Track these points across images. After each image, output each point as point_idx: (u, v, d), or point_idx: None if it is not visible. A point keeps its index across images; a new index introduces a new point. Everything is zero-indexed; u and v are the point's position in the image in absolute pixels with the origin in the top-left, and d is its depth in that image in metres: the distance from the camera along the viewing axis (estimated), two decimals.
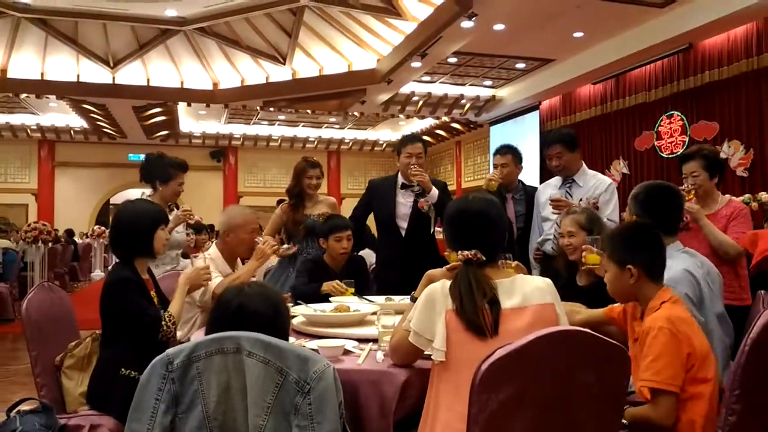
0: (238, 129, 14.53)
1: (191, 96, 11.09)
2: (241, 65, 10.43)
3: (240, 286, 1.54)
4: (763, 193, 6.52)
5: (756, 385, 1.56)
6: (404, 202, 3.68)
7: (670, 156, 8.23)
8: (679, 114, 8.07)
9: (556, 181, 3.60)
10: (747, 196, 6.59)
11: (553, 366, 1.33)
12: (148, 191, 3.79)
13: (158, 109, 12.04)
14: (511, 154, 3.81)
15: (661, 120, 8.36)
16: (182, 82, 10.90)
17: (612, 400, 1.41)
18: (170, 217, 3.26)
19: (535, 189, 3.85)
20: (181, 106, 12.06)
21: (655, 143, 8.46)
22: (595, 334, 1.37)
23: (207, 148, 15.40)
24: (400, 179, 3.73)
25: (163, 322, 2.23)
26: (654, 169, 8.52)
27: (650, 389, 1.67)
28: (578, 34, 8.06)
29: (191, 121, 13.76)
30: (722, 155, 7.33)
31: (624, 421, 1.75)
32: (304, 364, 1.28)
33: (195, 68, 10.59)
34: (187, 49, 9.94)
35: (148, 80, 10.76)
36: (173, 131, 13.96)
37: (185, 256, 4.89)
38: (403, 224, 3.66)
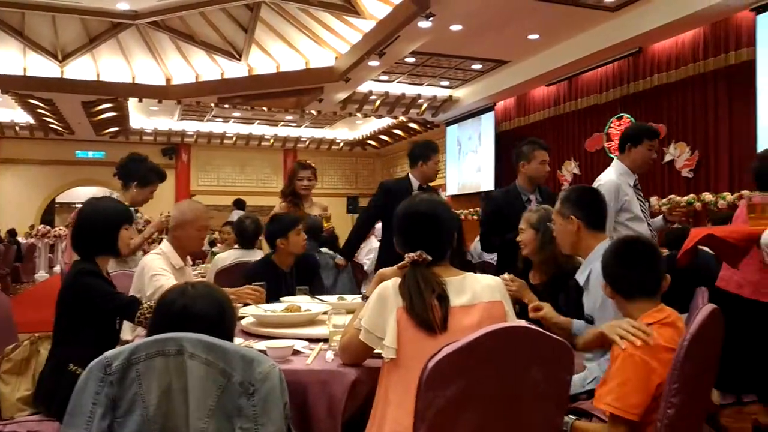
0: (191, 126, 14.26)
1: (143, 91, 10.81)
2: (195, 61, 10.23)
3: (183, 286, 1.50)
4: (706, 193, 6.76)
5: (693, 379, 1.61)
6: None
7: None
8: (629, 116, 8.28)
9: (626, 176, 3.35)
10: (691, 196, 6.82)
11: (499, 362, 1.34)
12: (107, 190, 3.73)
13: (108, 105, 11.72)
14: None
15: (611, 122, 8.57)
16: (134, 77, 10.63)
17: (556, 397, 1.43)
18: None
19: (546, 189, 3.84)
20: (132, 102, 11.76)
21: (605, 145, 8.67)
22: (541, 330, 1.39)
23: (159, 145, 15.05)
24: (415, 182, 3.98)
25: (146, 303, 2.25)
26: (604, 170, 8.71)
27: (611, 413, 1.66)
28: (533, 36, 8.19)
29: (142, 117, 13.43)
30: (668, 157, 7.58)
31: None
32: (249, 365, 1.26)
33: (147, 63, 10.33)
34: (140, 43, 9.70)
35: (98, 75, 10.46)
36: (124, 128, 13.61)
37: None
38: None
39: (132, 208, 3.75)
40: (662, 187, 7.58)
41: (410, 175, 4.03)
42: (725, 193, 6.49)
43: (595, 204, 2.35)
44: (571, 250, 2.39)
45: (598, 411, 1.81)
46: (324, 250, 4.31)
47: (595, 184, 3.27)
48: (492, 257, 4.67)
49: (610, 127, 8.60)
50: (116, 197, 3.63)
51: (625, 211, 3.23)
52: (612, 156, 8.53)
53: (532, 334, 1.37)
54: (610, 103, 8.54)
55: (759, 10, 6.34)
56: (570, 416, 1.81)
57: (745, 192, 6.14)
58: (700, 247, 2.64)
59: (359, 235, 4.27)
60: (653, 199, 7.04)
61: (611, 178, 3.27)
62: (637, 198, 3.30)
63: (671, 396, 1.56)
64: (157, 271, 2.73)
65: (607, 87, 8.50)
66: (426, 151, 3.97)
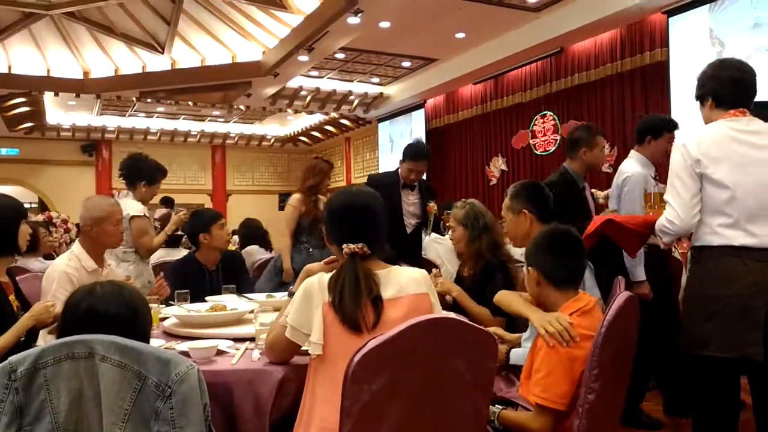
0: (112, 121, 13.64)
1: (59, 85, 10.24)
2: (114, 53, 9.80)
3: (91, 285, 1.42)
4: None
5: (612, 364, 1.67)
6: (407, 201, 4.11)
7: (544, 153, 8.71)
8: (552, 114, 8.56)
9: (647, 167, 3.30)
10: (610, 190, 7.10)
11: (424, 354, 1.35)
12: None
13: (22, 99, 11.05)
14: None
15: (536, 119, 8.83)
16: (49, 70, 10.06)
17: (481, 386, 1.45)
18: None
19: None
20: (48, 96, 11.15)
21: (530, 141, 8.92)
22: (464, 320, 1.41)
23: (78, 142, 14.35)
24: (401, 178, 4.08)
25: None
26: (529, 166, 8.97)
27: (537, 403, 1.71)
28: (460, 35, 8.31)
29: (60, 112, 12.76)
30: None
31: (495, 422, 1.80)
32: (165, 366, 1.21)
33: (63, 55, 9.81)
34: (55, 34, 9.18)
35: (9, 67, 9.84)
36: (39, 123, 12.87)
37: (48, 257, 4.55)
38: (411, 221, 4.09)
39: (145, 207, 3.96)
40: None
41: (399, 168, 4.13)
42: None
43: (544, 198, 2.49)
44: (522, 243, 2.45)
45: (523, 400, 1.85)
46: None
47: (620, 177, 3.27)
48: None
49: (534, 125, 8.86)
50: (129, 196, 3.90)
51: None
52: (537, 153, 8.81)
53: (456, 324, 1.38)
54: (534, 101, 8.78)
55: (671, 12, 6.68)
56: (496, 406, 1.84)
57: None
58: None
59: None
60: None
61: (637, 169, 3.24)
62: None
63: (591, 382, 1.62)
64: (58, 293, 2.54)
65: (531, 86, 8.74)
66: (406, 154, 4.04)
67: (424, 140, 10.99)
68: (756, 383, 2.11)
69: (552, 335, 1.70)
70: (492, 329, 2.43)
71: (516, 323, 2.51)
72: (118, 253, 3.79)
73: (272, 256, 5.03)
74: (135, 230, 3.77)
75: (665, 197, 2.16)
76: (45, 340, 2.49)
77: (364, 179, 13.33)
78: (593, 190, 3.96)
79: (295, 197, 4.16)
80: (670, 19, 6.71)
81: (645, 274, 3.09)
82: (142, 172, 3.94)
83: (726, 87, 2.14)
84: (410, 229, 4.10)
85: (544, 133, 8.71)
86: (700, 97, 2.23)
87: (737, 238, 2.00)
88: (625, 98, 7.51)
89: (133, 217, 3.78)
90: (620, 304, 1.68)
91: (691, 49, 6.49)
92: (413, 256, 3.98)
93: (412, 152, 4.02)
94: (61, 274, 2.61)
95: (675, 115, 6.65)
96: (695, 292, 2.11)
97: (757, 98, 2.25)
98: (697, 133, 2.15)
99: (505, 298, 2.16)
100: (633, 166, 3.28)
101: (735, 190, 2.00)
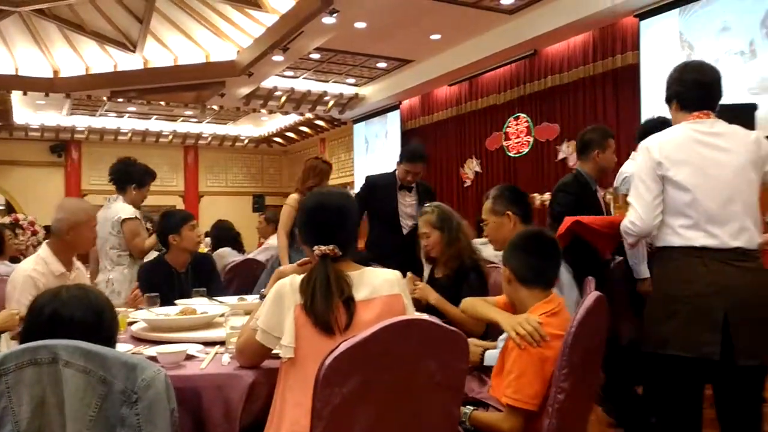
0: (82, 121, 13.39)
1: (27, 84, 10.03)
2: (85, 52, 9.63)
3: (56, 289, 1.39)
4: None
5: (581, 363, 1.68)
6: (404, 202, 4.10)
7: (517, 156, 8.78)
8: (525, 116, 8.63)
9: None
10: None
11: (396, 356, 1.35)
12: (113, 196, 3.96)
13: None
14: None
15: (509, 121, 8.90)
16: (17, 69, 9.85)
17: (452, 387, 1.45)
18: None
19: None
20: (17, 95, 10.92)
21: (504, 144, 8.99)
22: (436, 321, 1.41)
23: (46, 142, 14.08)
24: (398, 180, 4.09)
25: None
26: (503, 169, 9.03)
27: (508, 404, 1.72)
28: (435, 37, 8.34)
29: (28, 111, 12.50)
30: (561, 155, 7.97)
31: (467, 423, 1.81)
32: (131, 371, 1.18)
33: (32, 53, 9.61)
34: (23, 32, 8.98)
35: None
36: (6, 123, 12.59)
37: (15, 260, 4.46)
38: (407, 223, 4.08)
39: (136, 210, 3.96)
40: (556, 184, 7.95)
41: (396, 169, 4.13)
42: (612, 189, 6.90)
43: (525, 200, 2.56)
44: (503, 246, 2.47)
45: (494, 400, 1.86)
46: None
47: (620, 176, 3.33)
48: None
49: (507, 127, 8.93)
50: (114, 200, 3.91)
51: None
52: (510, 155, 8.87)
53: (428, 325, 1.38)
54: (508, 103, 8.84)
55: (642, 16, 6.79)
56: (468, 407, 1.85)
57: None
58: None
59: None
60: (546, 195, 7.36)
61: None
62: None
63: (561, 381, 1.63)
64: (23, 297, 2.47)
65: (505, 88, 8.80)
66: (402, 156, 4.06)
67: (399, 141, 11.05)
68: (716, 382, 2.15)
69: (523, 337, 1.71)
70: (471, 341, 2.44)
71: (488, 327, 2.52)
72: (112, 257, 3.80)
73: (245, 258, 4.99)
74: (127, 232, 3.77)
75: (628, 199, 2.20)
76: (8, 345, 2.43)
77: (340, 180, 13.23)
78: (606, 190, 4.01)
79: (293, 197, 4.16)
80: (642, 22, 6.82)
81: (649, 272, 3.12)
82: (132, 176, 3.95)
83: (689, 89, 2.18)
84: (406, 230, 4.09)
85: (518, 135, 8.78)
86: (668, 99, 2.27)
87: (698, 239, 2.03)
88: (597, 101, 7.61)
89: (124, 219, 3.77)
90: (590, 304, 1.69)
91: (661, 52, 6.61)
92: (409, 257, 3.94)
93: (408, 154, 4.06)
94: (25, 278, 2.54)
95: (646, 116, 6.76)
96: (657, 291, 2.15)
97: (727, 101, 2.29)
98: (660, 135, 2.19)
99: (470, 304, 2.18)
100: (633, 166, 3.34)
101: (695, 192, 2.04)
